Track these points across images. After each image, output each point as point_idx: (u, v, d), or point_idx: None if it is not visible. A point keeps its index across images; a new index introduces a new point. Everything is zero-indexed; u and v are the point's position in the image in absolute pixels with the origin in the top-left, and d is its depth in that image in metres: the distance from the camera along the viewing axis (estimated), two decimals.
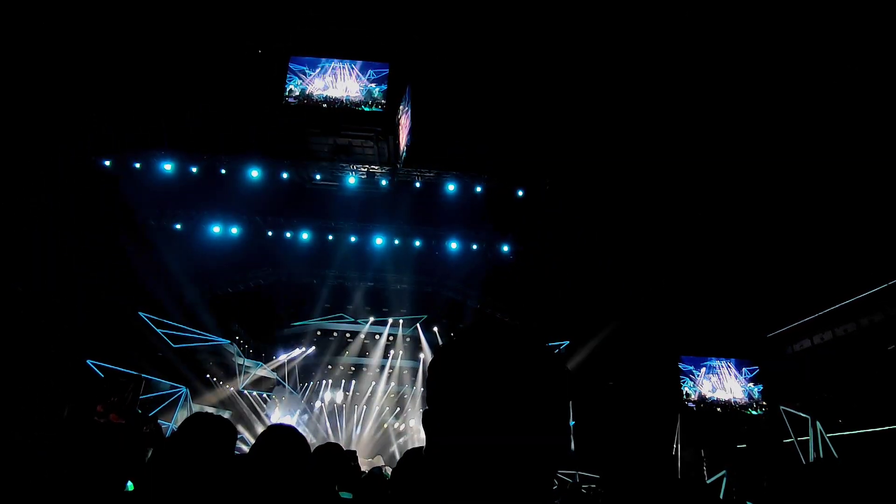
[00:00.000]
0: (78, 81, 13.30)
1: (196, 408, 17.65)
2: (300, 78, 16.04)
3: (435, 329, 21.80)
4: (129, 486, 1.87)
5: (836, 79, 12.17)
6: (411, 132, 15.37)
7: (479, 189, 16.62)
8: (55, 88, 12.92)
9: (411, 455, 2.26)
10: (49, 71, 12.59)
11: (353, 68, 16.13)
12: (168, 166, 16.20)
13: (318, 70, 16.15)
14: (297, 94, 15.93)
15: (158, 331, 16.82)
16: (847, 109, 12.28)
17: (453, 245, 17.78)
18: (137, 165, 16.02)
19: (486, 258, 18.07)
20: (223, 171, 16.36)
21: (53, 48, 12.38)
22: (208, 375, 19.32)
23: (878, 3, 10.67)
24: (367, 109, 15.81)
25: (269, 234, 17.97)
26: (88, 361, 13.29)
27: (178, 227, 17.42)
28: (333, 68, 16.18)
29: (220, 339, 19.11)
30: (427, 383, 0.78)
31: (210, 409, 17.32)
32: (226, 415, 18.82)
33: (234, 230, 17.71)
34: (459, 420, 0.70)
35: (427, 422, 0.76)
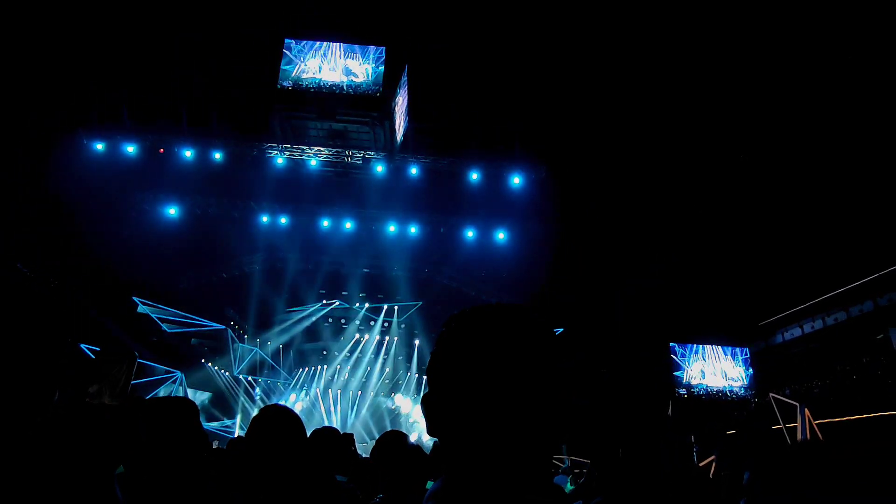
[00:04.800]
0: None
1: (191, 392, 17.70)
2: (295, 59, 15.74)
3: (430, 315, 21.82)
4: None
5: (827, 77, 12.16)
6: (409, 116, 15.21)
7: (475, 176, 16.54)
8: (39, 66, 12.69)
9: (388, 438, 2.27)
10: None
11: (351, 52, 15.82)
12: (163, 150, 15.99)
13: (313, 51, 15.83)
14: (292, 76, 15.65)
15: (153, 315, 16.78)
16: (836, 107, 12.29)
17: (449, 231, 17.74)
18: (130, 148, 15.80)
19: (482, 245, 18.06)
20: (217, 156, 16.14)
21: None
22: (203, 360, 19.34)
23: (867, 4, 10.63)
24: (366, 91, 15.55)
25: (265, 219, 17.84)
26: (82, 346, 13.24)
27: (173, 211, 17.26)
28: (329, 50, 15.85)
29: (215, 324, 19.09)
30: (428, 366, 0.79)
31: (190, 392, 17.34)
32: (205, 395, 18.82)
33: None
34: (458, 401, 0.71)
35: (426, 405, 0.76)
